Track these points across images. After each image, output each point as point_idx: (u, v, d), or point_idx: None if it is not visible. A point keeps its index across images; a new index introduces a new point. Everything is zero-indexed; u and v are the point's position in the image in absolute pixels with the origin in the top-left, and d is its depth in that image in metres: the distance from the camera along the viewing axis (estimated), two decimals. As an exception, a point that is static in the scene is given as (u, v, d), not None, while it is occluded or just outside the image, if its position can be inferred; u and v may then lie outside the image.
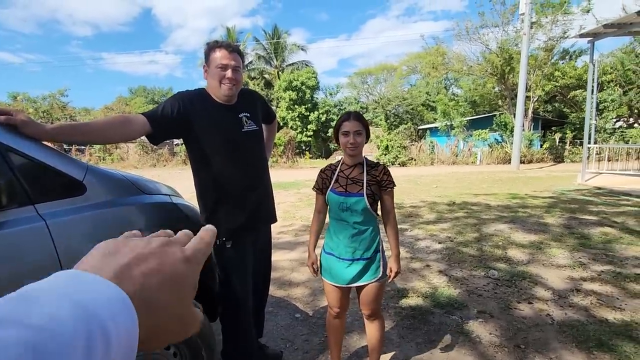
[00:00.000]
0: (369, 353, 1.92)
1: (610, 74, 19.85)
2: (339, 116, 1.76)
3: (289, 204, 7.36)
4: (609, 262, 3.55)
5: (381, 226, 1.80)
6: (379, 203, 1.76)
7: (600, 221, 5.14)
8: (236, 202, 1.79)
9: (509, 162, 17.63)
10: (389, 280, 1.74)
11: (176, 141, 20.47)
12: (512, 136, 17.86)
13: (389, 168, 1.78)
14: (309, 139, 26.46)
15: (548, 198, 7.33)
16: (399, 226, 5.13)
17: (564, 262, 3.59)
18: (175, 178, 11.31)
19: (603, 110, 19.53)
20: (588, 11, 18.63)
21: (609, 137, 19.71)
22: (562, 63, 22.20)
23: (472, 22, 21.44)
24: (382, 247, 1.78)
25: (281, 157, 20.11)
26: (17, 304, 0.21)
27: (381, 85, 33.05)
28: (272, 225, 2.09)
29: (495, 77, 21.95)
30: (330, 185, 1.75)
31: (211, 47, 1.73)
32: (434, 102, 28.49)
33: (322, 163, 20.34)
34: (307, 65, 29.84)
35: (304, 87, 25.16)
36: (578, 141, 20.20)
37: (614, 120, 20.68)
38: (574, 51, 22.06)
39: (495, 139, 21.65)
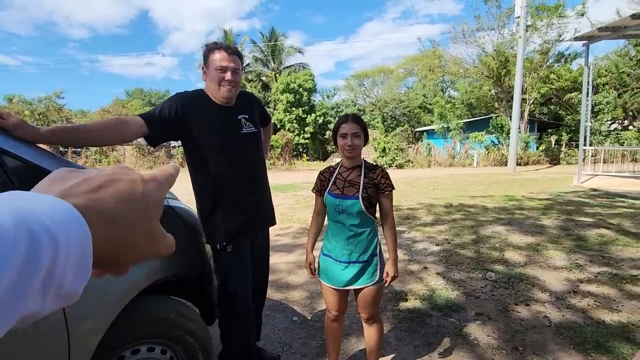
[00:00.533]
0: (367, 356, 1.91)
1: (605, 76, 20.03)
2: (337, 118, 1.75)
3: (286, 206, 7.34)
4: (606, 263, 3.57)
5: (380, 229, 1.79)
6: (377, 206, 1.75)
7: (597, 223, 5.17)
8: (235, 205, 1.77)
9: (506, 164, 17.71)
10: (386, 285, 1.73)
11: (173, 143, 20.42)
12: (509, 138, 17.95)
13: (387, 172, 1.78)
14: (306, 141, 26.48)
15: (544, 200, 7.36)
16: (396, 228, 5.13)
17: (560, 264, 3.61)
18: (172, 180, 11.26)
19: (598, 113, 19.68)
20: (583, 14, 18.82)
21: (604, 139, 19.85)
22: (558, 66, 22.37)
23: (468, 25, 21.61)
24: (381, 250, 1.77)
25: (278, 160, 20.10)
26: None
27: (378, 88, 33.15)
28: (269, 228, 2.08)
29: (492, 80, 22.08)
30: (328, 188, 1.75)
31: (210, 48, 1.72)
32: (430, 104, 28.60)
33: (320, 165, 20.37)
34: (304, 67, 29.90)
35: (301, 90, 25.20)
36: (574, 143, 20.33)
37: (609, 122, 20.83)
38: (569, 54, 22.28)
39: (492, 141, 21.76)
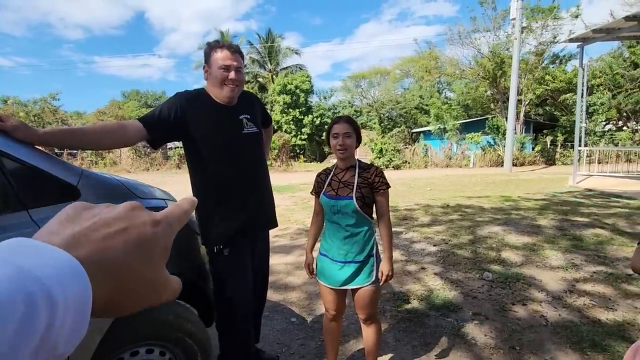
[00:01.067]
0: (365, 356, 1.92)
1: (599, 77, 20.22)
2: (332, 121, 1.77)
3: (284, 207, 7.34)
4: (601, 263, 3.60)
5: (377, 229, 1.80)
6: (373, 206, 1.76)
7: (592, 223, 5.21)
8: (235, 206, 1.75)
9: (502, 165, 17.81)
10: (381, 284, 1.73)
11: (170, 145, 20.33)
12: (505, 139, 18.06)
13: (383, 170, 1.79)
14: (304, 142, 26.48)
15: (540, 200, 7.41)
16: (394, 229, 5.15)
17: (557, 264, 3.63)
18: (169, 182, 11.23)
19: (593, 114, 19.84)
20: (577, 16, 19.01)
21: (599, 139, 20.01)
22: (553, 67, 22.56)
23: (464, 26, 21.75)
24: (377, 251, 1.78)
25: (275, 161, 20.09)
26: None
27: (375, 89, 33.25)
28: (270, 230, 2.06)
29: (488, 81, 22.22)
30: (324, 189, 1.76)
31: (213, 47, 1.69)
32: (427, 105, 28.72)
33: (317, 166, 20.38)
34: (301, 69, 29.91)
35: (298, 91, 25.21)
36: (569, 144, 20.47)
37: (604, 123, 21.01)
38: (564, 55, 22.47)
39: (488, 141, 21.87)
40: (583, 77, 9.90)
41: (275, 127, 25.24)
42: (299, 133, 26.08)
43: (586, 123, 13.37)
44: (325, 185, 1.76)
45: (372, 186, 1.70)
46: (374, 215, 1.77)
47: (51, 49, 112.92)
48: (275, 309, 2.87)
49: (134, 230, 0.28)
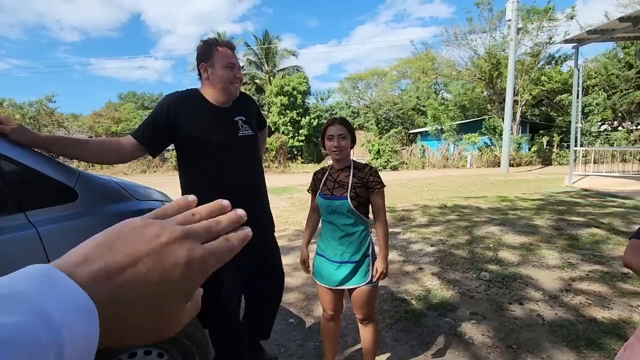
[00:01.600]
0: (363, 357, 1.92)
1: (594, 78, 20.35)
2: (326, 123, 1.78)
3: (281, 208, 7.34)
4: (597, 262, 3.62)
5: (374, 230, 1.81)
6: (369, 206, 1.77)
7: (588, 222, 5.25)
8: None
9: (499, 165, 17.89)
10: (374, 280, 1.72)
11: (173, 147, 20.22)
12: (501, 140, 18.14)
13: (379, 171, 1.80)
14: (301, 143, 26.47)
15: (537, 200, 7.45)
16: (391, 230, 5.16)
17: (553, 263, 3.65)
18: (166, 184, 11.20)
19: (588, 114, 19.98)
20: (572, 18, 19.16)
21: (595, 140, 20.15)
22: (548, 68, 22.70)
23: (461, 27, 21.86)
24: (374, 251, 1.78)
25: (273, 162, 20.09)
26: None
27: (372, 90, 33.31)
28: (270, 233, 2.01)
29: (484, 82, 22.33)
30: (319, 189, 1.77)
31: (212, 45, 1.61)
32: (424, 106, 28.81)
33: (314, 168, 20.36)
34: (298, 70, 29.93)
35: (295, 92, 25.22)
36: (565, 144, 20.60)
37: (599, 123, 21.16)
38: (560, 56, 22.63)
39: (485, 142, 21.96)
40: (578, 78, 9.97)
41: (273, 129, 25.24)
42: (297, 134, 26.07)
43: (582, 123, 13.46)
44: (321, 185, 1.77)
45: (367, 186, 1.71)
46: (370, 215, 1.78)
47: (47, 51, 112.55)
48: (273, 310, 2.87)
49: (159, 274, 0.25)
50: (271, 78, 29.17)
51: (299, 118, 25.83)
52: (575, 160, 10.14)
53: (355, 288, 1.73)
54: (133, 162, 20.24)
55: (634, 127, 20.51)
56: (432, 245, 4.40)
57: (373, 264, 1.74)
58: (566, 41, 10.26)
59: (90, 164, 19.78)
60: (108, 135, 27.31)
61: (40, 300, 0.21)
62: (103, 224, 1.27)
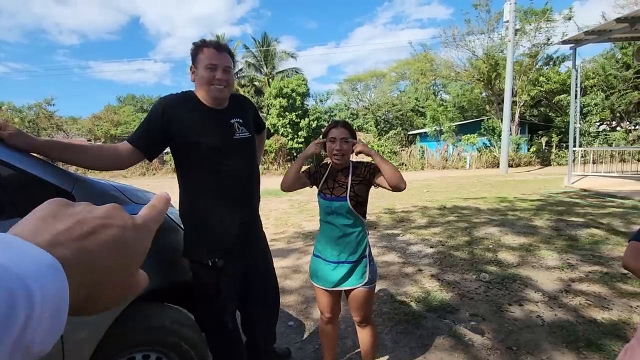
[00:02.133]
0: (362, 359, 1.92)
1: (592, 78, 20.39)
2: (328, 125, 1.78)
3: (280, 210, 7.34)
4: (597, 262, 3.62)
5: (371, 232, 1.81)
6: (366, 206, 1.78)
7: (587, 223, 5.25)
8: (227, 216, 1.65)
9: (498, 166, 17.90)
10: (354, 146, 1.71)
11: (166, 149, 20.24)
12: (500, 140, 18.16)
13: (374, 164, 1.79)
14: (300, 145, 26.42)
15: (536, 201, 7.45)
16: (390, 231, 5.16)
17: (553, 264, 3.65)
18: (165, 187, 11.19)
19: (587, 114, 20.00)
20: (570, 19, 19.23)
21: (593, 140, 20.17)
22: (547, 69, 22.74)
23: (459, 29, 21.90)
24: (370, 253, 1.79)
25: (272, 164, 20.09)
26: None
27: (371, 92, 33.35)
28: (265, 233, 2.00)
29: (482, 83, 22.35)
30: (319, 186, 1.77)
31: (198, 46, 1.59)
32: (423, 107, 28.83)
33: (314, 169, 20.31)
34: (297, 72, 29.95)
35: (294, 94, 25.22)
36: (564, 144, 20.62)
37: (598, 123, 21.19)
38: (558, 57, 22.65)
39: (484, 143, 21.98)
40: (576, 79, 10.00)
41: (272, 131, 25.24)
42: (296, 136, 26.04)
43: (580, 124, 13.47)
44: (321, 183, 1.77)
45: (368, 177, 1.72)
46: (368, 217, 1.78)
47: (46, 54, 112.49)
48: (272, 312, 2.86)
49: (113, 231, 0.28)
50: (270, 80, 29.18)
51: (298, 120, 25.80)
52: (574, 160, 10.15)
53: (352, 289, 1.73)
54: (134, 165, 20.22)
55: (633, 127, 20.55)
56: (431, 247, 4.40)
57: (370, 266, 1.75)
58: (564, 42, 10.29)
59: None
60: (107, 138, 27.30)
61: (3, 258, 0.21)
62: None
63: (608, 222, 5.26)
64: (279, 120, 25.60)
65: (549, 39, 20.22)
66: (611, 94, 19.81)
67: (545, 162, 20.77)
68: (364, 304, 1.75)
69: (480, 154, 20.73)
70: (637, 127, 20.51)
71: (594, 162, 10.68)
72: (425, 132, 25.58)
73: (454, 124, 23.20)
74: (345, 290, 1.76)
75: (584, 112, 19.32)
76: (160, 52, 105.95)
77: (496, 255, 3.97)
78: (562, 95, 20.59)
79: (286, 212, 7.14)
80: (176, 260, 1.68)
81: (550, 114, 24.08)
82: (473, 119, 24.82)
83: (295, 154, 26.91)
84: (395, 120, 31.13)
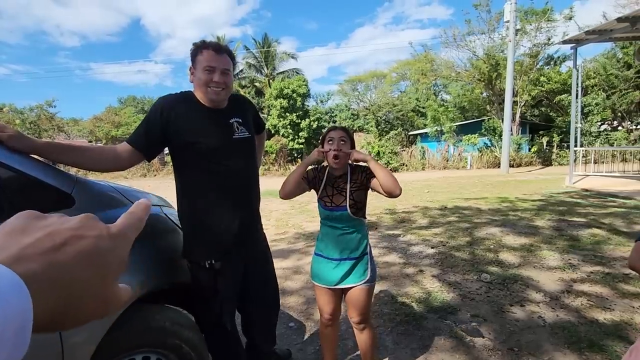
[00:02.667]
0: (363, 360, 1.91)
1: (593, 78, 20.35)
2: (326, 129, 1.78)
3: (281, 211, 7.34)
4: (598, 263, 3.61)
5: (372, 234, 1.81)
6: (366, 208, 1.78)
7: (589, 223, 5.23)
8: (226, 217, 1.64)
9: (499, 166, 17.88)
10: (349, 153, 1.70)
11: (167, 151, 20.32)
12: (501, 140, 18.13)
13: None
14: (301, 146, 26.44)
15: (537, 201, 7.43)
16: (391, 231, 5.15)
17: (554, 264, 3.64)
18: (166, 188, 11.19)
19: (588, 114, 19.97)
20: (570, 18, 19.20)
21: (595, 140, 20.13)
22: (547, 68, 22.71)
23: (459, 29, 21.90)
24: (371, 251, 1.79)
25: (273, 165, 20.11)
26: None
27: (371, 92, 33.34)
28: (265, 233, 2.00)
29: (483, 83, 22.34)
30: (319, 193, 1.77)
31: (198, 47, 1.58)
32: (423, 108, 28.82)
33: (314, 170, 20.33)
34: (297, 73, 29.97)
35: (295, 95, 25.24)
36: (565, 144, 20.58)
37: (599, 123, 21.14)
38: (558, 57, 22.62)
39: (485, 143, 21.96)
40: (577, 78, 9.98)
41: (273, 132, 25.26)
42: (296, 137, 26.05)
43: (581, 123, 13.47)
44: (320, 190, 1.77)
45: (365, 182, 1.73)
46: (368, 216, 1.78)
47: (47, 56, 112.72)
48: (273, 314, 2.85)
49: (87, 242, 0.27)
50: (271, 81, 29.21)
51: (299, 121, 25.82)
52: (575, 160, 10.13)
53: (353, 287, 1.73)
54: (134, 166, 20.25)
55: (634, 127, 20.50)
56: (432, 247, 4.39)
57: (371, 263, 1.76)
58: (564, 42, 10.27)
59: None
60: (108, 139, 27.33)
61: None
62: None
63: (610, 222, 5.24)
64: (280, 121, 25.61)
65: (549, 39, 20.20)
66: (612, 94, 19.76)
67: (547, 162, 20.73)
68: (363, 302, 1.75)
69: (481, 154, 20.70)
70: (638, 126, 20.46)
71: (595, 162, 10.66)
72: (426, 133, 25.58)
73: (454, 124, 23.19)
74: (345, 290, 1.75)
75: (585, 111, 19.29)
76: (161, 54, 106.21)
77: (497, 256, 3.96)
78: (563, 95, 20.57)
79: (287, 213, 7.14)
80: (176, 261, 1.68)
81: (551, 113, 24.05)
82: (474, 119, 24.79)
83: (295, 155, 26.96)
84: (395, 121, 31.12)
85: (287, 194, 1.76)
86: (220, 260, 1.63)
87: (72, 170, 1.89)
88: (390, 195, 1.66)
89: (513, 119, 19.65)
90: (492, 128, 21.70)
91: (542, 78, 21.54)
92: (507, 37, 17.09)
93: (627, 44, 18.12)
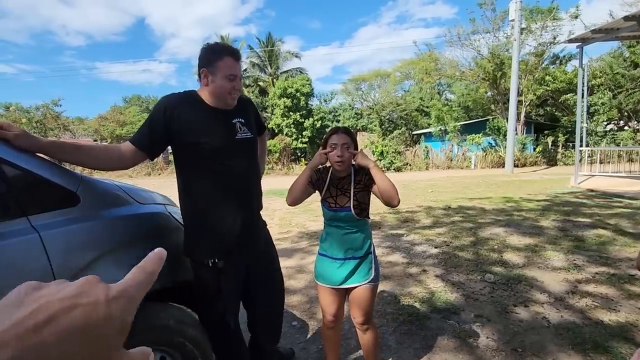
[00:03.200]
0: (366, 360, 1.91)
1: (599, 77, 20.18)
2: (329, 130, 1.77)
3: (285, 211, 7.34)
4: (604, 263, 3.58)
5: (375, 234, 1.80)
6: (369, 208, 1.78)
7: (594, 223, 5.19)
8: (228, 217, 1.64)
9: (503, 166, 17.77)
10: (355, 155, 1.69)
11: (170, 149, 20.49)
12: (506, 140, 18.03)
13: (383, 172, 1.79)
14: (304, 145, 26.46)
15: (542, 201, 7.39)
16: (395, 231, 5.14)
17: (559, 265, 3.62)
18: (170, 187, 11.24)
19: (594, 114, 19.80)
20: (576, 17, 19.06)
21: (601, 139, 19.96)
22: (553, 68, 22.54)
23: (464, 28, 21.80)
24: (374, 251, 1.80)
25: (276, 164, 20.13)
26: None
27: (375, 92, 33.29)
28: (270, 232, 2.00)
29: (488, 82, 22.23)
30: (322, 194, 1.77)
31: (216, 52, 1.58)
32: (427, 107, 28.73)
33: (318, 169, 20.34)
34: (301, 72, 29.97)
35: (298, 94, 25.24)
36: (570, 144, 20.42)
37: (605, 123, 20.95)
38: (564, 56, 22.46)
39: (489, 143, 21.84)
40: (583, 78, 9.90)
41: (276, 131, 25.28)
42: (300, 136, 26.06)
43: (587, 123, 13.35)
44: (324, 190, 1.77)
45: (368, 184, 1.73)
46: (372, 216, 1.78)
47: (53, 55, 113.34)
48: (276, 312, 2.86)
49: (78, 314, 0.24)
50: (274, 80, 29.23)
51: (303, 120, 25.83)
52: (580, 160, 10.05)
53: (357, 287, 1.72)
54: (137, 165, 20.37)
55: (641, 127, 20.31)
56: (436, 247, 4.38)
57: (375, 263, 1.76)
58: (570, 41, 10.18)
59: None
60: (113, 138, 27.49)
61: None
62: (105, 227, 1.27)
63: (615, 222, 5.19)
64: (283, 120, 25.63)
65: (555, 38, 20.07)
66: (619, 93, 19.59)
67: (551, 162, 20.59)
68: (367, 301, 1.75)
69: (486, 154, 20.60)
70: (645, 126, 20.27)
71: (601, 162, 10.57)
72: (429, 132, 25.48)
73: (458, 123, 23.08)
74: (349, 290, 1.75)
75: (591, 111, 19.12)
76: (165, 53, 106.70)
77: (501, 256, 3.94)
78: (569, 95, 20.41)
79: (290, 212, 7.14)
80: (180, 259, 1.69)
81: (556, 113, 23.86)
82: (478, 118, 24.67)
83: (299, 154, 26.98)
84: (399, 120, 31.04)
85: (294, 200, 1.75)
86: (223, 259, 1.63)
87: (77, 169, 1.89)
88: (388, 204, 1.66)
89: (518, 119, 19.54)
90: (496, 127, 21.58)
91: (547, 77, 21.39)
92: (512, 36, 16.97)
93: (634, 42, 17.96)
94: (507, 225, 5.27)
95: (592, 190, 8.64)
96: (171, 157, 20.85)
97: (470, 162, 20.30)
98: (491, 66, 20.98)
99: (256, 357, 2.01)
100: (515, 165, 17.57)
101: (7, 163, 1.17)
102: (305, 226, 5.89)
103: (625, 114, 20.59)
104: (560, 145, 21.26)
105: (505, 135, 19.06)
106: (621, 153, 11.40)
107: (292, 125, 25.68)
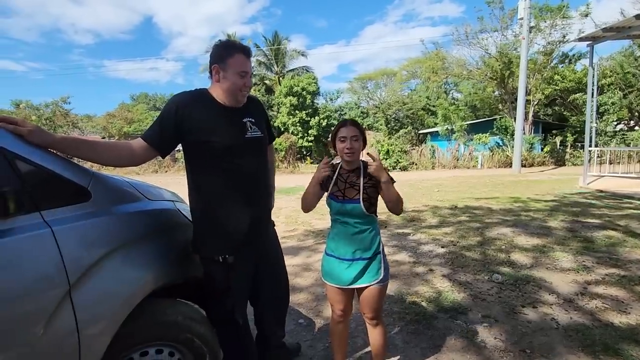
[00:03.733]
0: (373, 359, 1.91)
1: (610, 77, 19.91)
2: (337, 124, 1.77)
3: (290, 209, 7.36)
4: (614, 265, 3.53)
5: (381, 232, 1.79)
6: (377, 205, 1.77)
7: (604, 224, 5.12)
8: (238, 214, 1.65)
9: (510, 166, 17.62)
10: (372, 159, 1.70)
11: (178, 147, 20.63)
12: (513, 140, 17.87)
13: (389, 172, 1.78)
14: (310, 144, 26.48)
15: (550, 201, 7.31)
16: (401, 230, 5.13)
17: (568, 266, 3.58)
18: (177, 184, 11.32)
19: (603, 113, 19.54)
20: (587, 15, 18.78)
21: (610, 140, 19.69)
22: (562, 67, 22.27)
23: (471, 26, 21.61)
24: (383, 249, 1.78)
25: (282, 162, 20.17)
26: None
27: (381, 90, 33.20)
28: (276, 231, 2.00)
29: (495, 81, 22.03)
30: (330, 188, 1.76)
31: (228, 49, 1.59)
32: (434, 106, 28.58)
33: (323, 168, 20.33)
34: (307, 70, 29.98)
35: (304, 93, 25.25)
36: (579, 144, 20.18)
37: (615, 123, 20.67)
38: (574, 55, 22.18)
39: (496, 142, 21.67)
40: (593, 77, 9.76)
41: (282, 129, 25.32)
42: (306, 135, 26.08)
43: (597, 123, 13.17)
44: (332, 185, 1.76)
45: (377, 181, 1.70)
46: (379, 215, 1.77)
47: (62, 53, 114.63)
48: (282, 310, 2.87)
49: None
50: (280, 79, 29.27)
51: (308, 118, 25.84)
52: (590, 160, 9.92)
53: (366, 287, 1.71)
54: (147, 162, 20.53)
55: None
56: (442, 247, 4.35)
57: (384, 263, 1.74)
58: (580, 39, 10.05)
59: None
60: (121, 135, 27.73)
61: None
62: (116, 223, 1.28)
63: (625, 223, 5.12)
64: (289, 118, 25.66)
65: (564, 36, 19.81)
66: (629, 93, 19.32)
67: (560, 162, 20.37)
68: (377, 300, 1.74)
69: (493, 154, 20.43)
70: (656, 126, 19.96)
71: (610, 163, 10.42)
72: (436, 131, 25.35)
73: (465, 123, 22.93)
74: (358, 289, 1.75)
75: (600, 111, 18.88)
76: (172, 51, 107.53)
77: (509, 256, 3.91)
78: (578, 94, 20.17)
79: (296, 210, 7.15)
80: (189, 255, 1.69)
81: (565, 113, 23.58)
82: (485, 118, 24.49)
83: (305, 152, 27.00)
84: (405, 119, 30.92)
85: (308, 207, 1.80)
86: (233, 255, 1.64)
87: (88, 165, 1.91)
88: (391, 211, 1.75)
89: (526, 118, 19.34)
90: (503, 127, 21.39)
91: (556, 76, 21.15)
92: (520, 34, 16.78)
93: (645, 41, 17.66)
94: (515, 226, 5.22)
95: (601, 191, 8.53)
96: (177, 155, 21.05)
97: (477, 161, 20.15)
98: (499, 65, 20.78)
99: (263, 350, 2.02)
100: (523, 165, 17.40)
101: (21, 158, 1.18)
102: (312, 224, 5.90)
103: (636, 113, 20.30)
104: (569, 145, 21.02)
105: (512, 135, 18.89)
106: (631, 153, 11.23)
107: (298, 124, 25.70)
